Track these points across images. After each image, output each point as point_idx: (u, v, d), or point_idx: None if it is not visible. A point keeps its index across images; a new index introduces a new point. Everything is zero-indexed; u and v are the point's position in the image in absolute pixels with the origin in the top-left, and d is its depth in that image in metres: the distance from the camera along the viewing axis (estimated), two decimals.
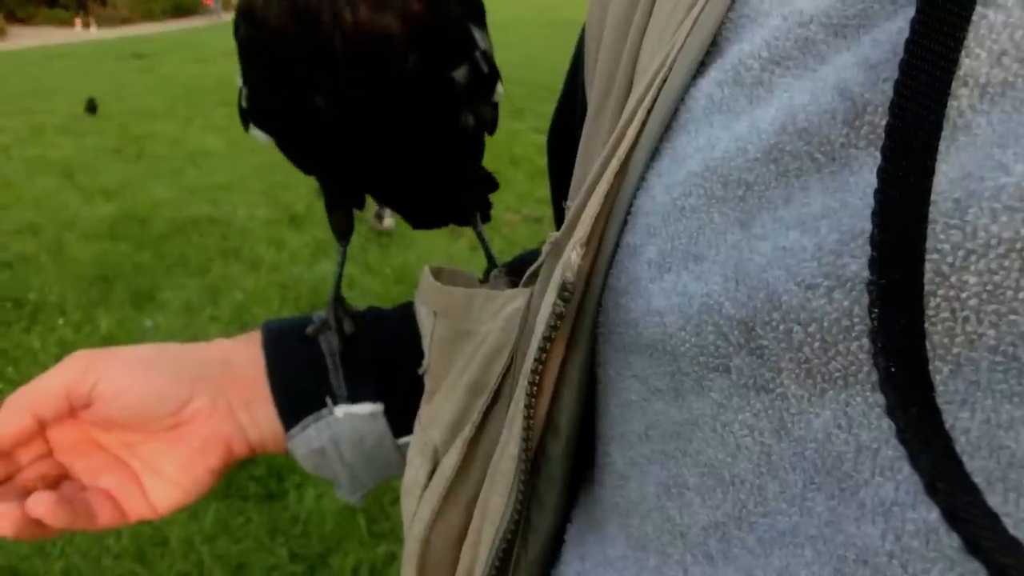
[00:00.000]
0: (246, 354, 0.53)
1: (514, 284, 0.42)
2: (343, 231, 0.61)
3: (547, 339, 0.32)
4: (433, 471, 0.41)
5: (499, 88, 0.55)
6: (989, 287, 0.21)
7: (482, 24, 0.52)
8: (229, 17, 0.51)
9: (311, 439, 0.53)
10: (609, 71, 0.37)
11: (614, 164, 0.32)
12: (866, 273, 0.23)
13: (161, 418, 0.50)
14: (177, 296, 3.54)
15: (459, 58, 0.50)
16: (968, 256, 0.21)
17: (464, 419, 0.39)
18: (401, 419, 0.52)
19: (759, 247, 0.26)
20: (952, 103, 0.22)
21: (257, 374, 0.53)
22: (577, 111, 0.43)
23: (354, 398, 0.53)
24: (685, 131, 0.30)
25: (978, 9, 0.22)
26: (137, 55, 11.17)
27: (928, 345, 0.22)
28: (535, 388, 0.33)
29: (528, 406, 0.33)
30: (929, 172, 0.22)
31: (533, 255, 0.38)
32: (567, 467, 0.35)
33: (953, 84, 0.22)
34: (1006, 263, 0.21)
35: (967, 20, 0.22)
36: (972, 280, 0.21)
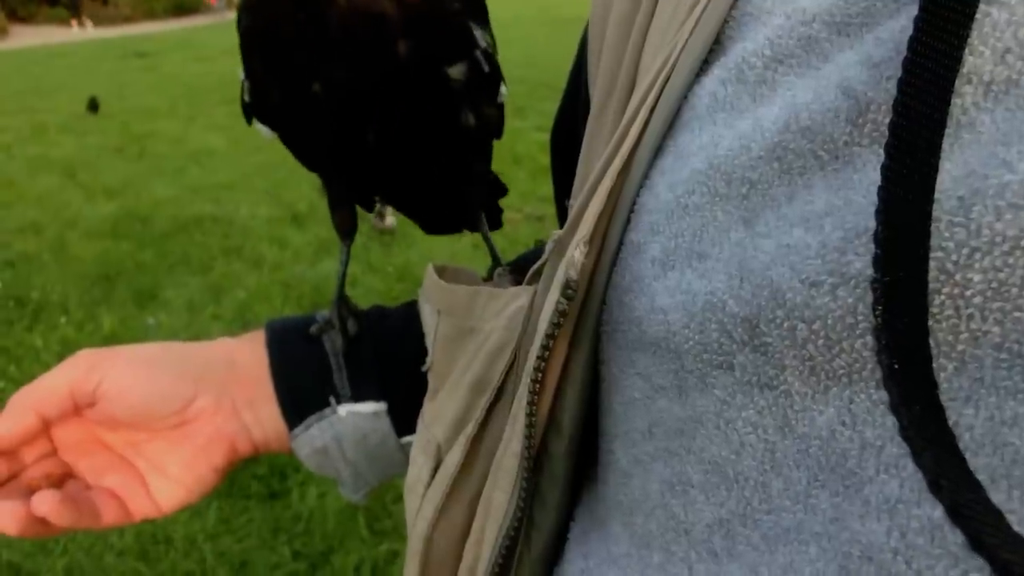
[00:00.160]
0: (250, 353, 0.53)
1: (518, 282, 0.42)
2: (346, 230, 0.61)
3: (550, 337, 0.32)
4: (436, 469, 0.41)
5: (503, 90, 0.55)
6: (994, 284, 0.21)
7: (484, 22, 0.52)
8: (232, 15, 0.51)
9: (314, 438, 0.53)
10: (612, 70, 0.37)
11: (617, 162, 0.32)
12: (870, 270, 0.23)
13: (165, 417, 0.50)
14: (179, 295, 3.54)
15: (456, 54, 0.50)
16: (972, 254, 0.21)
17: (467, 417, 0.40)
18: (404, 418, 0.52)
19: (763, 245, 0.26)
20: (956, 101, 0.22)
21: (261, 373, 0.53)
22: (580, 110, 0.43)
23: (357, 397, 0.53)
24: (688, 129, 0.30)
25: (981, 7, 0.22)
26: (139, 54, 11.17)
27: (932, 342, 0.22)
28: (538, 386, 0.33)
29: (531, 404, 0.33)
30: (933, 170, 0.22)
31: (537, 254, 0.38)
32: (570, 465, 0.36)
33: (957, 82, 0.22)
34: (1011, 260, 0.21)
35: (970, 18, 0.22)
36: (977, 277, 0.21)
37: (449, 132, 0.53)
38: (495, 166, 0.61)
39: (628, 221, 0.31)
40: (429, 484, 0.41)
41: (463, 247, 3.61)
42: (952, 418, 0.22)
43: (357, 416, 0.53)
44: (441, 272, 0.47)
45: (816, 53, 0.27)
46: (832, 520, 0.24)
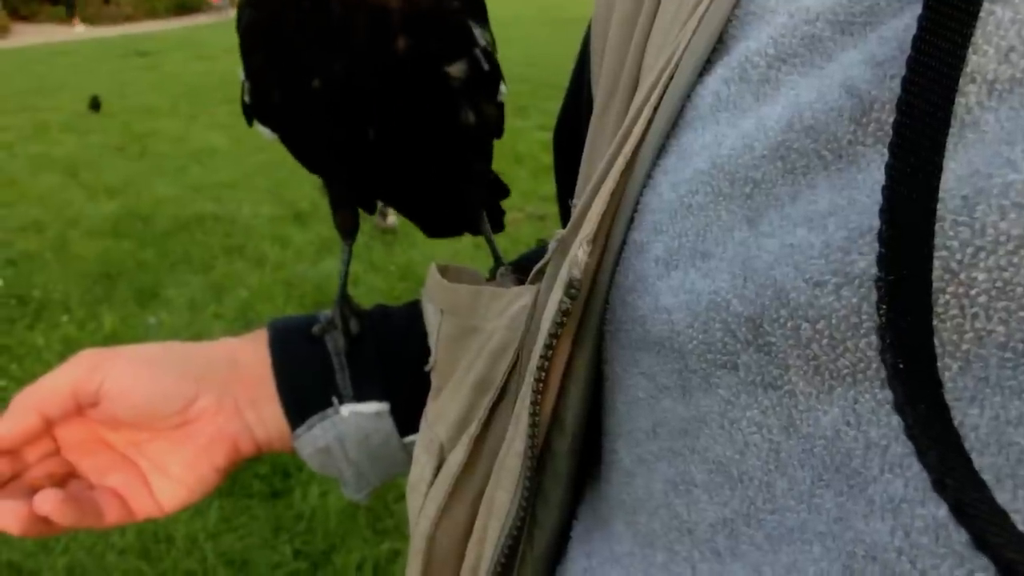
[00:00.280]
0: (252, 353, 0.53)
1: (520, 282, 0.42)
2: (348, 229, 0.61)
3: (553, 336, 0.32)
4: (439, 468, 0.41)
5: (503, 88, 0.55)
6: (999, 284, 0.21)
7: (483, 21, 0.52)
8: (234, 14, 0.51)
9: (317, 438, 0.53)
10: (614, 70, 0.37)
11: (620, 162, 0.32)
12: (874, 270, 0.23)
13: (167, 417, 0.50)
14: (181, 293, 3.55)
15: (455, 52, 0.50)
16: (977, 253, 0.21)
17: (470, 416, 0.40)
18: (407, 417, 0.53)
19: (767, 244, 0.26)
20: (960, 100, 0.22)
21: (263, 373, 0.53)
22: (583, 109, 0.43)
23: (360, 397, 0.53)
24: (692, 129, 0.30)
25: (985, 5, 0.22)
26: (140, 53, 11.17)
27: (937, 341, 0.22)
28: (541, 385, 0.33)
29: (534, 403, 0.33)
30: (937, 169, 0.22)
31: (539, 253, 0.38)
32: (573, 464, 0.36)
33: (961, 81, 0.22)
34: (1015, 259, 0.21)
35: (974, 16, 0.22)
36: (981, 277, 0.21)
37: (449, 130, 0.53)
38: (497, 165, 0.61)
39: (631, 220, 0.31)
40: (432, 483, 0.41)
41: (465, 246, 3.61)
42: (957, 417, 0.22)
43: (360, 416, 0.53)
44: (444, 271, 0.47)
45: (820, 52, 0.27)
46: (836, 519, 0.24)
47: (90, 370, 0.49)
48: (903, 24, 0.24)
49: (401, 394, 0.53)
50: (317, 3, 0.45)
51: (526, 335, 0.36)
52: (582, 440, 0.35)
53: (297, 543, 2.09)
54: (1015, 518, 0.20)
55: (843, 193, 0.24)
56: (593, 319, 0.33)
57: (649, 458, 0.32)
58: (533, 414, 0.33)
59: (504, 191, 0.69)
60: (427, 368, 0.47)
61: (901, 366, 0.22)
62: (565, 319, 0.31)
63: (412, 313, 0.54)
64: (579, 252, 0.31)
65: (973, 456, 0.21)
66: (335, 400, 0.53)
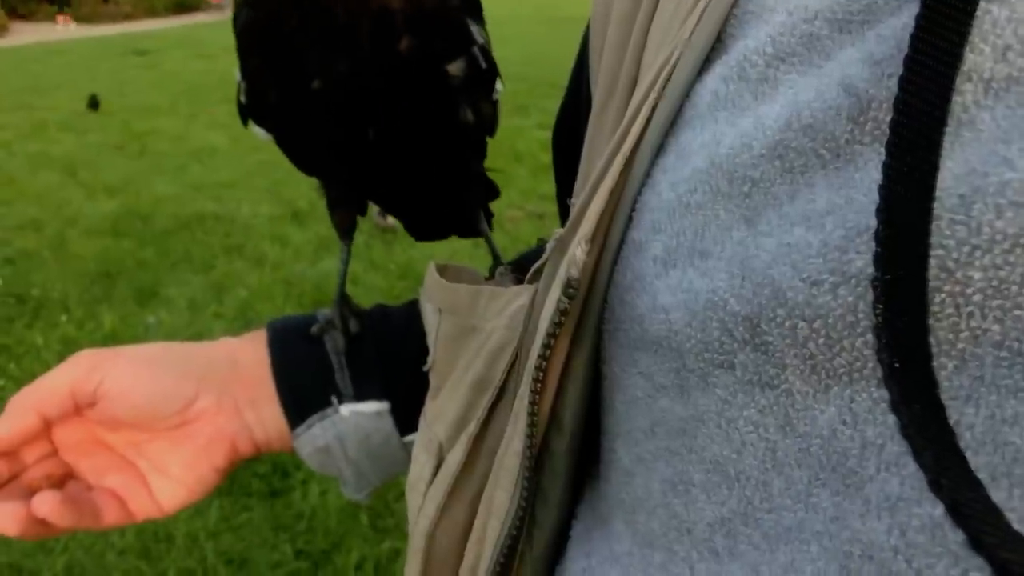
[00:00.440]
0: (252, 353, 0.53)
1: (519, 281, 0.42)
2: (346, 229, 0.61)
3: (552, 335, 0.32)
4: (438, 467, 0.41)
5: (498, 86, 0.55)
6: (994, 283, 0.21)
7: (479, 19, 0.52)
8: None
9: (316, 438, 0.53)
10: (613, 68, 0.37)
11: (619, 161, 0.32)
12: (871, 269, 0.23)
13: (167, 417, 0.50)
14: (181, 293, 3.54)
15: (455, 51, 0.50)
16: (973, 252, 0.21)
17: (469, 415, 0.40)
18: (407, 417, 0.53)
19: (764, 243, 0.26)
20: (956, 99, 0.22)
21: (263, 373, 0.53)
22: (582, 108, 0.43)
23: (359, 396, 0.53)
24: (690, 127, 0.30)
25: (982, 4, 0.22)
26: (139, 51, 11.15)
27: (932, 340, 0.22)
28: (539, 384, 0.33)
29: (532, 402, 0.33)
30: (934, 168, 0.22)
31: (538, 252, 0.38)
32: (571, 463, 0.36)
33: (957, 79, 0.22)
34: (1011, 259, 0.21)
35: (971, 15, 0.22)
36: (977, 276, 0.21)
37: (448, 128, 0.53)
38: (497, 163, 0.61)
39: (630, 219, 0.31)
40: (431, 482, 0.41)
41: (463, 245, 3.61)
42: (953, 417, 0.22)
43: (359, 416, 0.53)
44: (443, 271, 0.47)
45: (818, 51, 0.27)
46: (833, 519, 0.24)
47: (89, 370, 0.49)
48: (901, 23, 0.24)
49: (400, 393, 0.53)
50: (318, 3, 0.45)
51: (524, 335, 0.36)
52: (581, 439, 0.35)
53: (297, 542, 2.09)
54: (1010, 517, 0.20)
55: (841, 192, 0.24)
56: (591, 318, 0.33)
57: (647, 457, 0.32)
58: (531, 413, 0.33)
59: (495, 192, 0.69)
60: (426, 367, 0.47)
61: (897, 365, 0.22)
62: (563, 318, 0.31)
63: (411, 312, 0.55)
64: (577, 251, 0.31)
65: (968, 455, 0.21)
66: (334, 400, 0.53)
